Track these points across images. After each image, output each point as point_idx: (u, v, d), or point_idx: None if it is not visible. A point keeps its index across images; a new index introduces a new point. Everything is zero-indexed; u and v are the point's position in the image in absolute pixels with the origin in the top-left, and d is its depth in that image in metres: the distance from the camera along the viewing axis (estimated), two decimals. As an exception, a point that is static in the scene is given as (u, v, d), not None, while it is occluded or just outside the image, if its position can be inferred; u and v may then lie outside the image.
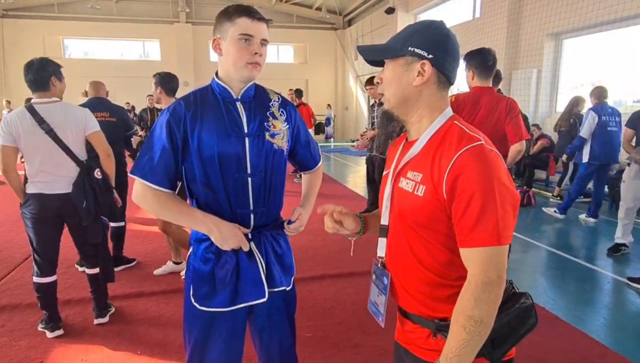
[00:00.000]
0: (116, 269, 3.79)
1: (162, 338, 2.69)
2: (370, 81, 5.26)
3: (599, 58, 7.67)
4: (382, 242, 1.18)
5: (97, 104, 3.60)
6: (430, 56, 1.02)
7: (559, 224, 5.50)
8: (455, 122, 1.05)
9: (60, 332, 2.71)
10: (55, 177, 2.58)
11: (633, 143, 4.13)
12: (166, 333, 2.73)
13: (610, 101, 6.72)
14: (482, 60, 3.01)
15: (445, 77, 1.05)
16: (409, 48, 1.03)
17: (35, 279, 2.66)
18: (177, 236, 3.36)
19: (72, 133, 2.59)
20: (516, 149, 2.97)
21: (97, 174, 2.69)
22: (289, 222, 1.53)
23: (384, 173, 1.22)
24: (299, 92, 8.41)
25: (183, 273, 3.42)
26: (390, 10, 12.86)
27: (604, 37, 7.23)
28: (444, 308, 1.04)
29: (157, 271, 3.67)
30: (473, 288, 0.93)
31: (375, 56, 1.13)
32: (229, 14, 1.34)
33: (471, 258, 0.94)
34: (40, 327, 2.73)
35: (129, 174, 1.42)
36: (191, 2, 16.76)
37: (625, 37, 6.90)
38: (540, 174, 7.71)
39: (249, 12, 1.33)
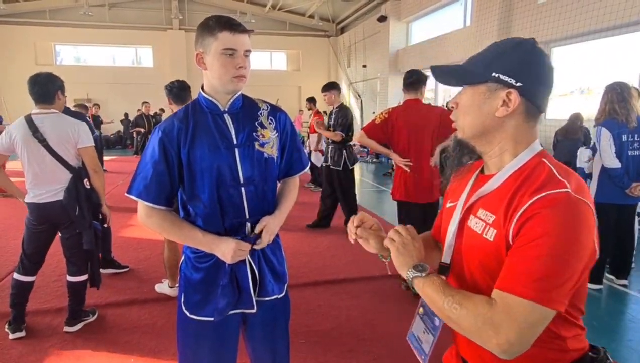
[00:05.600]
0: (104, 271, 3.78)
1: (156, 346, 2.68)
2: (325, 87, 5.16)
3: (588, 66, 7.81)
4: None
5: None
6: (518, 84, 0.87)
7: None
8: (544, 160, 0.89)
9: (21, 333, 2.74)
10: (49, 186, 2.64)
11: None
12: (159, 341, 2.72)
13: (594, 110, 6.80)
14: (404, 79, 3.42)
15: (536, 106, 0.90)
16: (493, 73, 0.89)
17: (16, 276, 2.77)
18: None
19: (64, 144, 2.64)
20: None
21: (86, 183, 2.74)
22: (257, 237, 1.44)
23: (448, 205, 1.08)
24: (313, 100, 7.94)
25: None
26: (383, 19, 12.98)
27: (593, 45, 7.36)
28: None
29: (157, 287, 3.52)
30: (483, 316, 0.81)
31: (453, 81, 0.98)
32: (210, 27, 1.33)
33: (502, 303, 0.81)
34: (6, 329, 2.76)
35: (125, 194, 1.43)
36: (184, 9, 16.79)
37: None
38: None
39: (231, 26, 1.32)
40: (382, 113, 3.38)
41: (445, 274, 1.02)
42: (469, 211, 0.96)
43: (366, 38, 14.96)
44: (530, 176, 0.87)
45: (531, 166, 0.89)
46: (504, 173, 0.91)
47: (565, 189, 0.82)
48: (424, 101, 3.49)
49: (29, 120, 2.60)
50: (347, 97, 17.35)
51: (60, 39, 16.44)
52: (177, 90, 3.18)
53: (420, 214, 3.35)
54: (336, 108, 5.14)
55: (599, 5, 6.49)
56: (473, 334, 0.83)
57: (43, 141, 2.58)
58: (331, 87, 5.16)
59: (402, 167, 3.28)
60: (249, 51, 1.38)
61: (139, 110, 11.27)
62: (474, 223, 0.94)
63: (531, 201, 0.82)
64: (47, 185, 2.63)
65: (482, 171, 1.01)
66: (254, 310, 1.47)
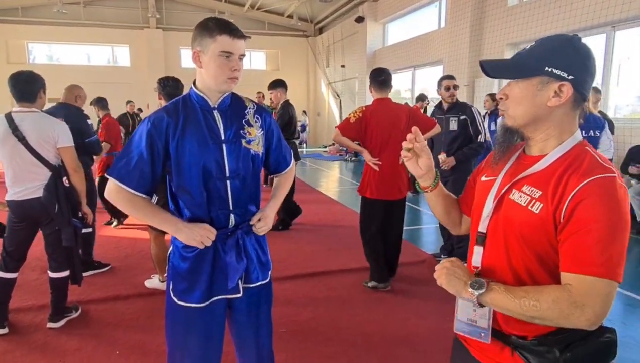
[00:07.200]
0: (85, 274, 3.80)
1: (140, 339, 2.74)
2: (271, 85, 5.16)
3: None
4: (478, 250, 1.12)
5: (56, 111, 3.48)
6: (570, 77, 0.97)
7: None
8: (587, 148, 1.01)
9: (4, 330, 2.78)
10: (28, 183, 2.67)
11: None
12: (144, 335, 2.79)
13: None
14: (374, 77, 3.44)
15: (582, 96, 1.01)
16: (547, 68, 0.98)
17: None
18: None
19: (43, 142, 2.67)
20: (437, 130, 3.57)
21: (65, 182, 2.77)
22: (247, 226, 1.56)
23: (483, 179, 1.17)
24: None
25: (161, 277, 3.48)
26: (360, 19, 13.18)
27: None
28: (524, 327, 1.02)
29: (147, 283, 3.57)
30: (566, 301, 0.90)
31: (506, 74, 1.06)
32: (210, 29, 1.41)
33: (580, 284, 0.91)
34: None
35: (105, 174, 1.49)
36: (162, 7, 16.62)
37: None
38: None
39: (231, 31, 1.42)
40: (355, 112, 3.42)
41: (482, 243, 1.10)
42: (512, 186, 1.05)
43: (344, 38, 15.14)
44: (575, 160, 0.98)
45: (575, 152, 1.00)
46: (550, 157, 1.01)
47: (613, 175, 0.93)
48: (402, 101, 3.60)
49: (9, 118, 2.63)
50: (326, 96, 17.50)
51: (33, 37, 16.02)
52: (171, 89, 3.15)
53: (383, 211, 3.43)
54: (280, 106, 5.18)
55: (564, 9, 6.81)
56: (560, 320, 0.92)
57: (22, 139, 2.61)
58: (277, 85, 5.16)
59: (372, 166, 3.37)
60: (243, 55, 1.48)
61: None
62: (517, 196, 1.03)
63: (583, 183, 0.92)
64: (26, 182, 2.66)
65: (524, 152, 1.10)
66: (239, 295, 1.56)
